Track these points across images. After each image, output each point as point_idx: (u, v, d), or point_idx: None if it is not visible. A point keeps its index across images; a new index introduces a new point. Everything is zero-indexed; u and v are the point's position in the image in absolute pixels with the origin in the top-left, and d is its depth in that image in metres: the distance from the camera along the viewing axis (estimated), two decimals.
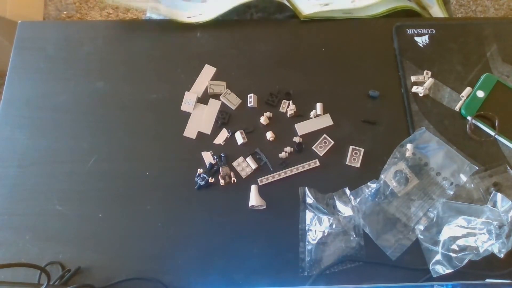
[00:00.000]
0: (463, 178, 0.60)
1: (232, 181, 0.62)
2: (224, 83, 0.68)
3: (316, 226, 0.59)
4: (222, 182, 0.61)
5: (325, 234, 0.58)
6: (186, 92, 0.67)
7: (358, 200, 0.59)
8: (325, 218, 0.59)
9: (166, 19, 0.73)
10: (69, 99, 0.67)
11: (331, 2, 0.74)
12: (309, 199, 0.60)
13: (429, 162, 0.62)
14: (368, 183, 0.60)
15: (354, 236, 0.58)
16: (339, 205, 0.59)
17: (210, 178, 0.61)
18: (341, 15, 0.73)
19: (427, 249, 0.57)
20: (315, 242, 0.58)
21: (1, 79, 1.57)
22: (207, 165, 0.63)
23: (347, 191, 0.60)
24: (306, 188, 0.60)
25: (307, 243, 0.58)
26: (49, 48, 0.71)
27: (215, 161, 0.63)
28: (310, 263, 0.57)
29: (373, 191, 0.60)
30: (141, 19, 0.80)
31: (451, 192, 0.60)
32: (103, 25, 0.73)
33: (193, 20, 0.71)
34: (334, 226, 0.58)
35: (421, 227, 0.58)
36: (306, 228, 0.59)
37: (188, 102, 0.67)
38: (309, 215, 0.59)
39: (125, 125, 0.66)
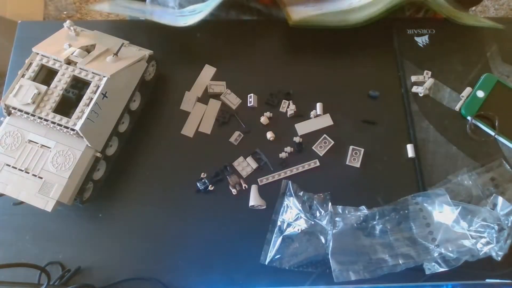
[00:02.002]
0: (455, 255, 0.55)
1: (244, 188, 0.61)
2: (224, 83, 0.68)
3: (289, 221, 0.58)
4: (234, 191, 0.61)
5: (295, 231, 0.57)
6: (186, 92, 0.67)
7: (338, 216, 0.57)
8: (299, 216, 0.58)
9: None
10: None
11: (326, 7, 0.69)
12: (289, 194, 0.59)
13: (431, 224, 0.57)
14: (359, 208, 0.58)
15: (323, 242, 0.56)
16: (316, 209, 0.58)
17: (211, 185, 0.61)
18: (335, 23, 0.67)
19: (423, 246, 0.57)
20: (281, 236, 0.57)
21: (1, 79, 1.57)
22: (213, 173, 0.62)
23: (330, 205, 0.57)
24: (290, 183, 0.60)
25: (274, 234, 0.58)
26: None
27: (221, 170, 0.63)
28: (272, 255, 0.57)
29: (358, 215, 0.57)
30: (141, 19, 0.80)
31: (435, 261, 0.56)
32: (103, 25, 0.73)
33: (189, 23, 0.67)
34: (306, 226, 0.57)
35: (381, 273, 0.55)
36: (279, 219, 0.59)
37: (188, 101, 0.67)
38: (285, 208, 0.59)
39: None
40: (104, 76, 0.55)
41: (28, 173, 0.54)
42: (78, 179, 0.55)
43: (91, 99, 0.54)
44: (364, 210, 0.58)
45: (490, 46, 0.71)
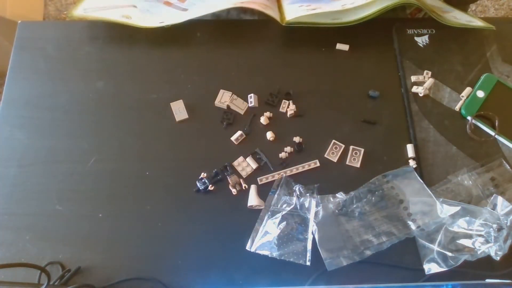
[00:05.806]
0: (432, 226, 0.58)
1: (244, 188, 0.62)
2: (230, 93, 0.67)
3: (278, 211, 0.58)
4: (234, 191, 0.61)
5: (282, 223, 0.58)
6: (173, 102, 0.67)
7: (319, 207, 0.58)
8: (286, 206, 0.59)
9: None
10: (69, 99, 0.67)
11: (319, 7, 0.69)
12: (281, 185, 0.60)
13: (404, 200, 0.59)
14: (337, 194, 0.60)
15: (306, 236, 0.57)
16: (303, 202, 0.59)
17: (211, 185, 0.61)
18: (329, 21, 0.68)
19: (423, 246, 0.57)
20: (268, 226, 0.58)
21: (1, 79, 1.57)
22: (213, 172, 0.62)
23: (314, 198, 0.59)
24: (285, 177, 0.61)
25: (263, 224, 0.58)
26: (49, 48, 0.71)
27: (221, 170, 0.63)
28: (257, 244, 0.57)
29: (337, 201, 0.59)
30: None
31: (414, 235, 0.58)
32: (103, 25, 0.73)
33: (165, 23, 0.68)
34: (291, 216, 0.58)
35: (369, 253, 0.57)
36: (269, 209, 0.59)
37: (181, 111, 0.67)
38: (276, 199, 0.59)
39: (125, 125, 0.66)
40: None
41: None
42: None
43: None
44: (341, 196, 0.59)
45: (490, 46, 0.71)
